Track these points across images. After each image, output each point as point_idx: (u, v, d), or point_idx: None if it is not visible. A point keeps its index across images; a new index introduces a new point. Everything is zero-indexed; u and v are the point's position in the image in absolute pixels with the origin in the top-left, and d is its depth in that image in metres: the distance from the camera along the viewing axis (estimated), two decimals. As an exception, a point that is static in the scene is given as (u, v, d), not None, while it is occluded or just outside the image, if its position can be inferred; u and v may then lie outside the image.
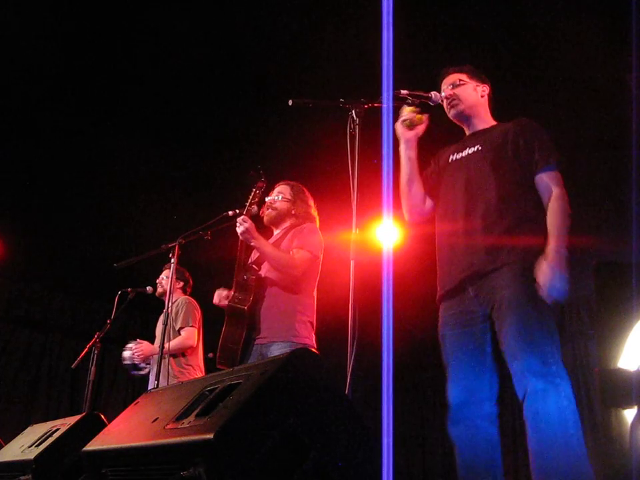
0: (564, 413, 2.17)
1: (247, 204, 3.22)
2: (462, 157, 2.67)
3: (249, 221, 3.13)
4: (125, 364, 4.56)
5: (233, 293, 3.19)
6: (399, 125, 2.61)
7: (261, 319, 3.16)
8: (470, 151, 2.65)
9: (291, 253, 3.22)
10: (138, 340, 4.62)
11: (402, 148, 2.67)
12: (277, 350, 3.03)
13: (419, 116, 2.59)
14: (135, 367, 4.55)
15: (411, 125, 2.61)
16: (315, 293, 3.32)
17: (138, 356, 4.49)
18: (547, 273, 2.26)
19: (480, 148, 2.61)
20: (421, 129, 2.63)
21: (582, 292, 6.26)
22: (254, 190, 3.26)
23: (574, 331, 6.61)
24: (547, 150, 2.50)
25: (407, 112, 2.58)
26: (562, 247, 2.32)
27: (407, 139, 2.64)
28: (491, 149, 2.58)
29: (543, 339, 2.26)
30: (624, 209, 4.42)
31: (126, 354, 4.54)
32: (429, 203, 2.75)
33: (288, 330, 3.11)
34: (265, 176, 3.32)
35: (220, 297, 3.45)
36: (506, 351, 2.30)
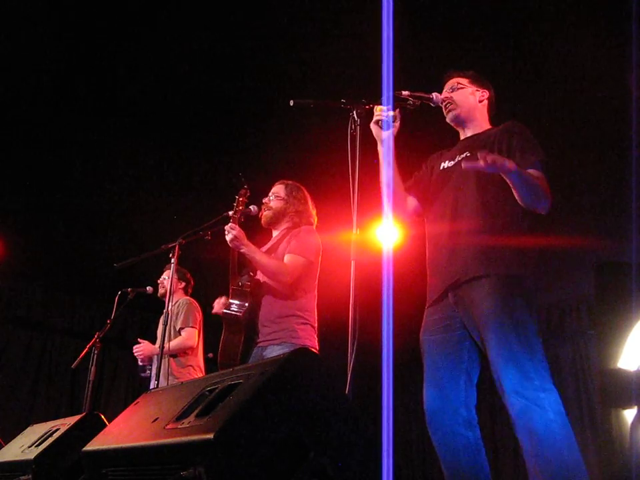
0: (550, 427, 2.16)
1: (233, 212, 3.25)
2: (453, 164, 2.66)
3: (237, 228, 3.14)
4: (140, 366, 4.57)
5: (229, 300, 3.21)
6: (373, 126, 2.53)
7: (260, 323, 3.18)
8: (459, 157, 2.64)
9: (285, 257, 3.22)
10: (139, 339, 4.62)
11: (379, 149, 2.60)
12: (277, 351, 3.04)
13: (391, 112, 2.50)
14: (142, 368, 4.56)
15: (382, 124, 2.52)
16: (314, 295, 3.32)
17: (138, 356, 4.49)
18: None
19: (469, 154, 2.61)
20: (395, 127, 2.54)
21: (582, 292, 6.27)
22: (237, 197, 3.30)
23: (574, 330, 6.62)
24: (529, 150, 2.48)
25: (378, 111, 2.50)
26: (510, 165, 2.24)
27: (382, 139, 2.57)
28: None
29: (522, 354, 2.24)
30: (624, 209, 4.41)
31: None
32: (411, 202, 2.73)
33: (287, 332, 3.12)
34: (247, 182, 3.37)
35: (219, 305, 3.47)
36: (491, 369, 2.31)
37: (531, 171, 2.44)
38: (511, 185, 2.38)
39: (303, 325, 3.17)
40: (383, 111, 2.48)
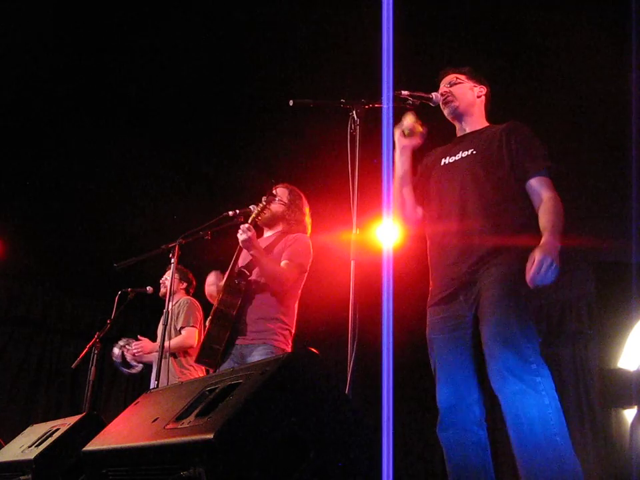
0: (545, 412, 2.17)
1: (254, 215, 3.25)
2: (455, 160, 2.66)
3: (253, 230, 3.16)
4: (115, 361, 4.56)
5: (221, 295, 3.23)
6: (397, 131, 2.64)
7: (246, 321, 3.23)
8: (463, 154, 2.64)
9: (282, 263, 3.27)
10: (139, 336, 4.62)
11: (397, 155, 2.68)
12: (257, 351, 3.12)
13: (419, 128, 2.62)
14: (127, 364, 4.54)
15: (409, 134, 2.63)
16: (297, 300, 3.38)
17: (137, 353, 4.49)
18: (539, 260, 2.23)
19: (474, 152, 2.61)
20: (417, 140, 2.65)
21: (582, 292, 6.27)
22: (264, 203, 3.28)
23: (574, 330, 6.61)
24: (538, 157, 2.51)
25: (408, 120, 2.61)
26: (557, 240, 2.31)
27: (403, 147, 2.66)
28: (485, 152, 2.58)
29: (523, 337, 2.25)
30: (624, 208, 4.41)
31: (115, 351, 4.54)
32: (420, 210, 2.76)
33: (270, 334, 3.19)
34: (275, 187, 3.44)
35: (212, 284, 3.51)
36: (485, 350, 2.31)
37: (538, 177, 2.47)
38: None
39: (284, 330, 3.25)
40: (410, 122, 2.60)
